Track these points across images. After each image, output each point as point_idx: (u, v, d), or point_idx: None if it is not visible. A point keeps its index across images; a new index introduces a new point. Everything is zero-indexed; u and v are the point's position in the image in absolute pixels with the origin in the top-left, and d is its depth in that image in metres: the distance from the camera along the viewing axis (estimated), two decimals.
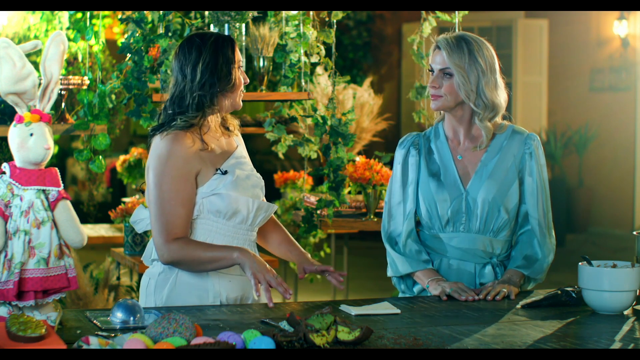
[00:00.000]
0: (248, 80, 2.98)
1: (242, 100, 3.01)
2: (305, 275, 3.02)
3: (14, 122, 2.42)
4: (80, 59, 5.01)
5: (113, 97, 4.12)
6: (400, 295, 3.12)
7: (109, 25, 5.99)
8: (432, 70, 3.03)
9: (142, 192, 4.59)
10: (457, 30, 4.18)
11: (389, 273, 3.10)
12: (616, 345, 2.32)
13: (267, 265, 2.76)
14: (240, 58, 2.95)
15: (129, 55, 4.06)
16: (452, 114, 3.05)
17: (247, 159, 3.02)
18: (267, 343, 2.06)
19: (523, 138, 3.07)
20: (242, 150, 3.02)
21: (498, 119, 3.06)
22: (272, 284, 2.71)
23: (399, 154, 3.13)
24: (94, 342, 2.05)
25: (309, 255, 3.07)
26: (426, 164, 3.08)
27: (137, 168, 5.71)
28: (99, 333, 2.31)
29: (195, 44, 2.89)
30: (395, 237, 3.09)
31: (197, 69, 2.86)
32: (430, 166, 3.07)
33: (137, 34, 4.04)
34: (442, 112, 3.11)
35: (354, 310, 2.63)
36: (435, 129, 3.13)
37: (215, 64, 2.87)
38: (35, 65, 4.11)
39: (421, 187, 3.06)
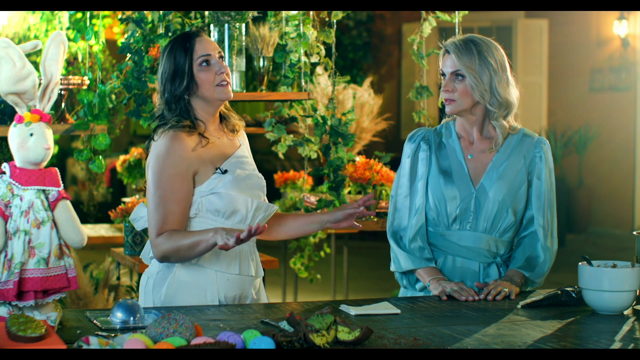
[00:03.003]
0: (225, 69, 2.92)
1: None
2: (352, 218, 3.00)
3: (14, 122, 2.42)
4: (80, 59, 5.01)
5: (113, 97, 4.12)
6: (402, 290, 3.12)
7: (109, 25, 5.99)
8: (443, 75, 3.03)
9: (144, 191, 4.58)
10: (457, 30, 4.19)
11: (392, 268, 3.10)
12: (616, 345, 2.32)
13: (233, 228, 2.75)
14: (205, 51, 2.90)
15: (129, 55, 4.06)
16: (465, 116, 3.05)
17: (250, 159, 3.02)
18: (267, 343, 2.06)
19: (534, 141, 3.08)
20: (244, 150, 3.02)
21: (512, 120, 3.06)
22: (244, 237, 2.66)
23: (408, 148, 3.12)
24: (94, 342, 2.05)
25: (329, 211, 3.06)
26: (436, 160, 3.07)
27: (137, 168, 5.71)
28: (99, 333, 2.31)
29: (160, 57, 2.95)
30: (400, 231, 3.08)
31: (161, 79, 2.92)
32: (441, 162, 3.07)
33: (137, 34, 4.04)
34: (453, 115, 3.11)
35: (354, 310, 2.62)
36: (447, 126, 3.12)
37: (168, 69, 2.90)
38: (35, 65, 4.11)
39: (430, 183, 3.06)
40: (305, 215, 3.15)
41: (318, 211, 3.11)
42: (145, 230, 4.40)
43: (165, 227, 2.82)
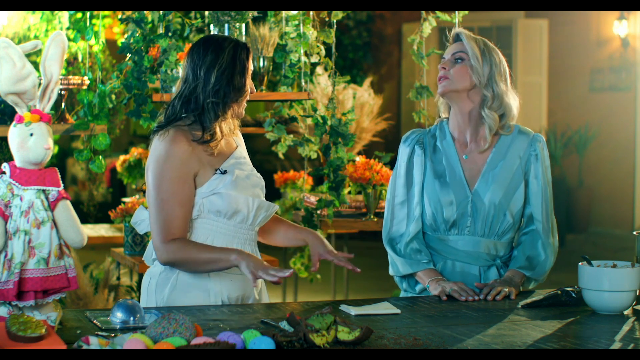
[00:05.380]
0: (255, 90, 2.98)
1: None
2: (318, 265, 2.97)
3: (14, 122, 2.42)
4: (80, 59, 5.01)
5: (113, 97, 4.12)
6: (402, 293, 3.12)
7: (109, 25, 5.99)
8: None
9: (144, 192, 4.58)
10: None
11: (391, 272, 3.10)
12: (616, 345, 2.31)
13: (264, 262, 2.76)
14: (252, 67, 2.95)
15: (129, 55, 4.06)
16: (458, 105, 3.02)
17: (247, 159, 3.02)
18: (267, 343, 2.06)
19: (529, 139, 3.06)
20: (241, 150, 3.02)
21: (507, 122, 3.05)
22: (271, 280, 2.71)
23: (403, 152, 3.11)
24: (94, 342, 2.05)
25: (322, 236, 3.03)
26: (431, 164, 3.05)
27: (137, 168, 5.71)
28: (99, 333, 2.31)
29: (212, 47, 2.87)
30: (396, 237, 3.07)
31: (212, 73, 2.85)
32: (436, 166, 3.05)
33: (137, 34, 4.04)
34: (445, 110, 3.10)
35: (354, 310, 2.62)
36: (441, 127, 3.11)
37: (232, 72, 2.86)
38: (35, 65, 4.11)
39: (426, 188, 3.04)
40: (298, 228, 3.11)
41: (316, 233, 3.07)
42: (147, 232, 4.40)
43: (172, 231, 2.81)
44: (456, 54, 3.00)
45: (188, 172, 2.84)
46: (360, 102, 6.10)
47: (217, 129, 2.88)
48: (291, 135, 4.62)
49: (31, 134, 2.38)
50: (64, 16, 4.99)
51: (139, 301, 2.91)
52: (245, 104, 2.97)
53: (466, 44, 2.99)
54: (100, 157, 4.14)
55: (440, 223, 3.02)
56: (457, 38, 3.04)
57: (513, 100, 3.02)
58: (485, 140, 3.02)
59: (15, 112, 2.43)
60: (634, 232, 2.91)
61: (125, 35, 4.11)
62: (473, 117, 3.03)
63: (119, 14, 4.32)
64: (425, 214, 3.05)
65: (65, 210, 2.41)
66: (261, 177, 3.00)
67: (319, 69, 5.67)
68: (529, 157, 3.04)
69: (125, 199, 4.97)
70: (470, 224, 3.00)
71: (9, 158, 2.64)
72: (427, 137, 3.10)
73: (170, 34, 4.06)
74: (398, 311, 2.65)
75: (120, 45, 4.17)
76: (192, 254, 2.80)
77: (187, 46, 3.96)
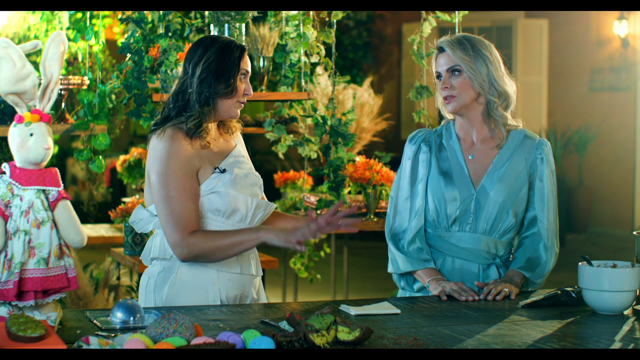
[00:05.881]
0: (252, 93, 2.96)
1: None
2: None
3: (14, 122, 2.42)
4: (80, 59, 5.01)
5: (113, 97, 4.12)
6: (400, 291, 3.12)
7: (109, 25, 5.99)
8: (439, 76, 3.03)
9: (143, 191, 4.57)
10: (457, 30, 4.20)
11: (390, 269, 3.10)
12: (616, 345, 2.32)
13: (288, 229, 2.79)
14: (247, 68, 2.93)
15: (129, 55, 4.07)
16: (465, 115, 3.04)
17: (246, 158, 3.02)
18: (267, 343, 2.06)
19: (535, 143, 3.07)
20: (240, 149, 3.02)
21: (510, 117, 3.06)
22: (307, 237, 2.74)
23: (409, 150, 3.12)
24: (94, 342, 2.05)
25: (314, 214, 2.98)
26: (437, 162, 3.07)
27: (137, 168, 5.71)
28: (99, 333, 2.31)
29: (203, 43, 2.91)
30: (399, 233, 3.08)
31: (199, 65, 2.87)
32: (441, 164, 3.06)
33: (137, 34, 4.04)
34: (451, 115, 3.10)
35: (354, 310, 2.62)
36: (447, 127, 3.12)
37: (217, 65, 2.87)
38: (35, 65, 4.11)
39: (431, 184, 3.06)
40: (295, 218, 3.12)
41: (302, 220, 3.07)
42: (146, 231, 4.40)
43: (189, 225, 2.81)
44: (452, 67, 3.00)
45: (192, 167, 2.85)
46: (360, 102, 6.11)
47: (204, 122, 2.88)
48: (291, 135, 4.62)
49: (31, 134, 2.38)
50: (64, 16, 4.99)
51: (138, 301, 2.91)
52: (240, 105, 2.95)
53: (455, 58, 2.99)
54: (100, 157, 4.14)
55: (442, 219, 3.03)
56: (443, 49, 3.05)
57: (510, 87, 3.04)
58: (501, 136, 3.04)
59: (15, 112, 2.43)
60: (634, 232, 2.91)
61: (125, 35, 4.11)
62: (478, 121, 3.05)
63: (119, 14, 4.32)
64: (428, 210, 3.06)
65: (65, 210, 2.41)
66: (259, 176, 3.01)
67: (319, 69, 5.67)
68: (535, 160, 3.06)
69: (125, 199, 4.97)
70: (471, 221, 3.01)
71: (9, 158, 2.64)
72: (433, 136, 3.12)
73: (170, 34, 4.06)
74: (398, 311, 2.66)
75: (120, 45, 4.17)
76: (217, 241, 2.80)
77: (187, 46, 3.96)
